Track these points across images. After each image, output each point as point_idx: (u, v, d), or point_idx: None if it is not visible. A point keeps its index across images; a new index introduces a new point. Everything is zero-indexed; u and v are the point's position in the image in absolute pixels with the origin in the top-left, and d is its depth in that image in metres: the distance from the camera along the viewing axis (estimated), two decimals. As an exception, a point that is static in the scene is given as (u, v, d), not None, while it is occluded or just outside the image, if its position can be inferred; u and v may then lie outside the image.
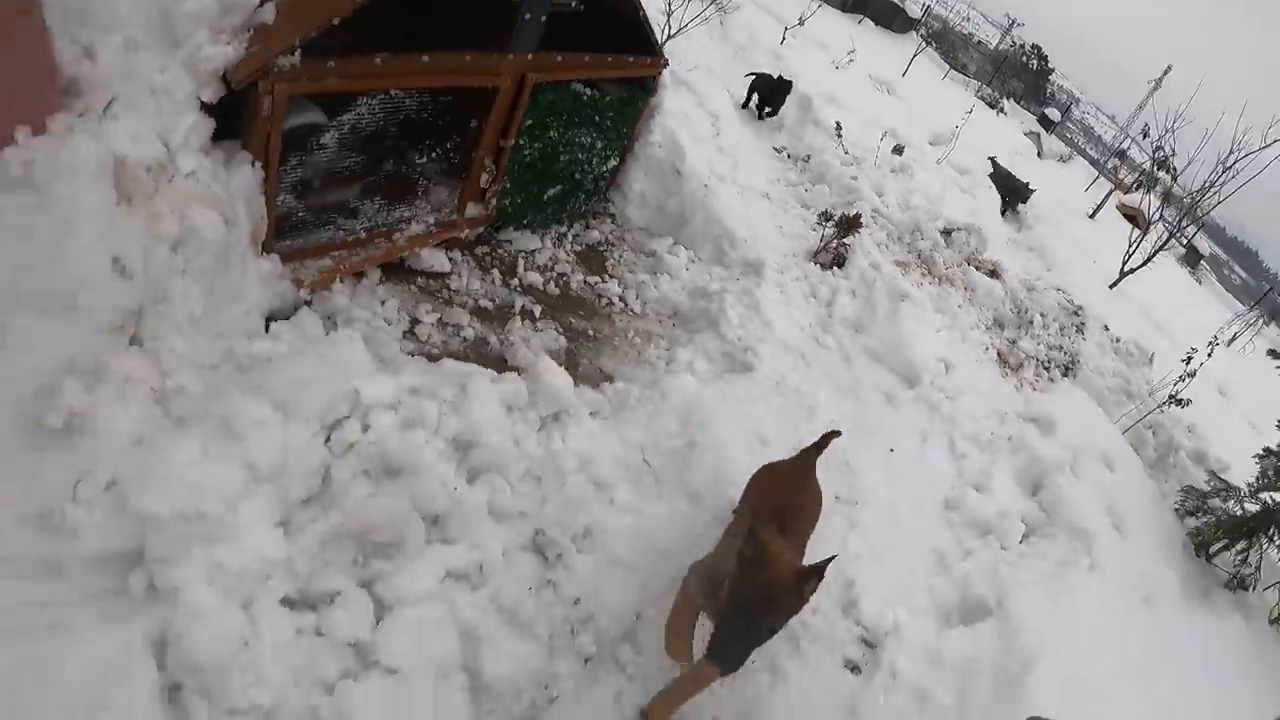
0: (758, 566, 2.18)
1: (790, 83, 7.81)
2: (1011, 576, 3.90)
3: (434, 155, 3.92)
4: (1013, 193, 9.81)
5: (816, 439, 3.17)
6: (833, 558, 2.25)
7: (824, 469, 3.13)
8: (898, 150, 8.49)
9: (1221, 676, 4.36)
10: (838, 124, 7.86)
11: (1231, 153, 10.05)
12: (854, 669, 3.15)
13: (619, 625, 2.81)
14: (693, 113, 5.80)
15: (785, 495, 2.83)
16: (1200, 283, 19.67)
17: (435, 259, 3.90)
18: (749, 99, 7.78)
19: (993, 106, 18.77)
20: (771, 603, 2.18)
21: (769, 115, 7.81)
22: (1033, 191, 10.15)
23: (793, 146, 7.37)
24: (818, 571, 2.16)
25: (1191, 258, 22.00)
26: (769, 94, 7.78)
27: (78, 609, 2.00)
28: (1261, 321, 14.94)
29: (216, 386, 2.44)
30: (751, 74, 7.80)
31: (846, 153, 7.58)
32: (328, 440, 2.53)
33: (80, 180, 2.13)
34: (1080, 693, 3.42)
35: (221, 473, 2.21)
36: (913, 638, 3.35)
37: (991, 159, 10.18)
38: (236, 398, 2.38)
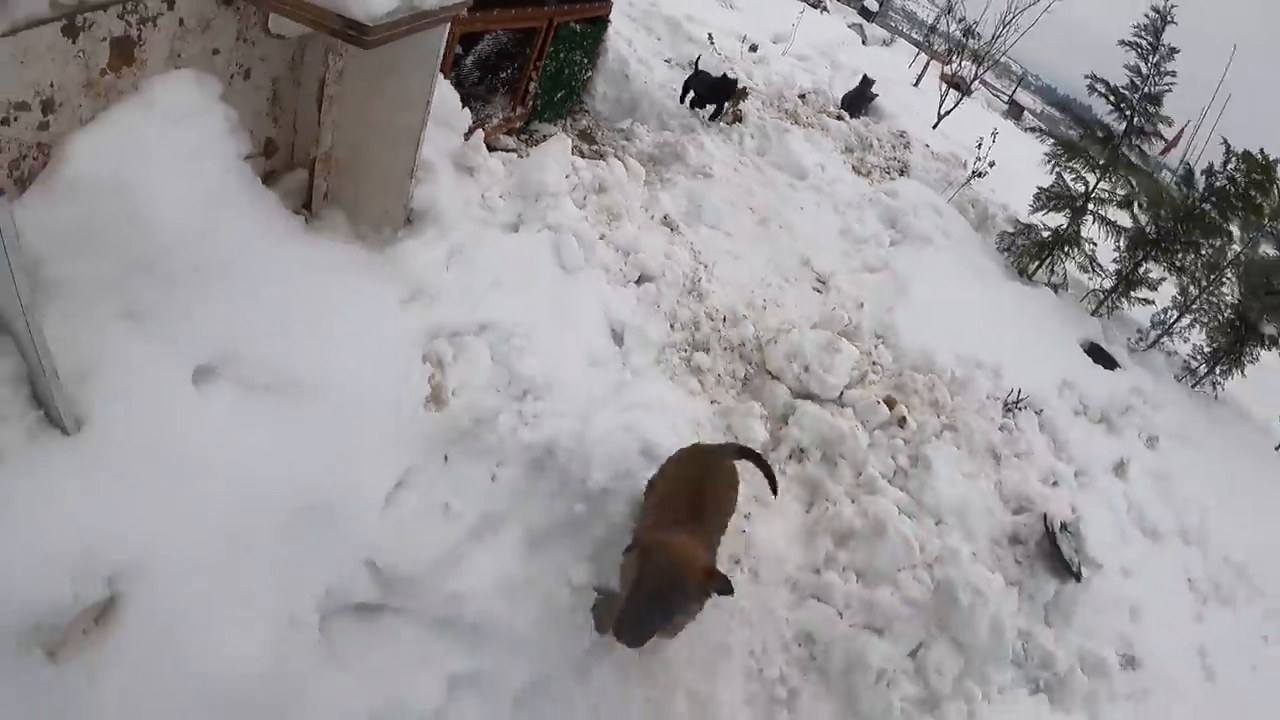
0: (663, 565, 2.33)
1: (735, 81, 8.06)
2: (889, 255, 6.72)
3: (505, 73, 6.30)
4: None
5: (741, 446, 3.39)
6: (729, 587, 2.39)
7: (775, 219, 5.74)
8: (753, 49, 11.17)
9: (1034, 316, 7.29)
10: (710, 35, 10.45)
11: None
12: (818, 290, 5.84)
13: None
14: (628, 37, 8.30)
15: (700, 481, 2.89)
16: (1024, 130, 23.45)
17: (507, 141, 6.30)
18: (684, 96, 8.05)
19: (816, 6, 21.70)
20: (672, 597, 2.34)
21: (713, 117, 8.10)
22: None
23: (678, 56, 9.93)
24: (722, 581, 2.38)
25: (1014, 110, 26.06)
26: (706, 92, 8.02)
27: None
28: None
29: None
30: (692, 72, 8.10)
31: (719, 54, 10.22)
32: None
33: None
34: (938, 303, 6.20)
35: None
36: (842, 278, 6.07)
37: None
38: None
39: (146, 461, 2.07)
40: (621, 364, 3.88)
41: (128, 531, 1.98)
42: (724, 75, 8.07)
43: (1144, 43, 8.10)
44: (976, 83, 16.06)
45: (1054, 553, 4.03)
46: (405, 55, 2.85)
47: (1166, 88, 8.28)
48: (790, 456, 4.17)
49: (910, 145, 10.00)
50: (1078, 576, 4.02)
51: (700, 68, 8.17)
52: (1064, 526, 4.19)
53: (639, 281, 4.53)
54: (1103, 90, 8.28)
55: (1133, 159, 8.62)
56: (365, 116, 3.02)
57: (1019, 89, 30.93)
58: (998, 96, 28.24)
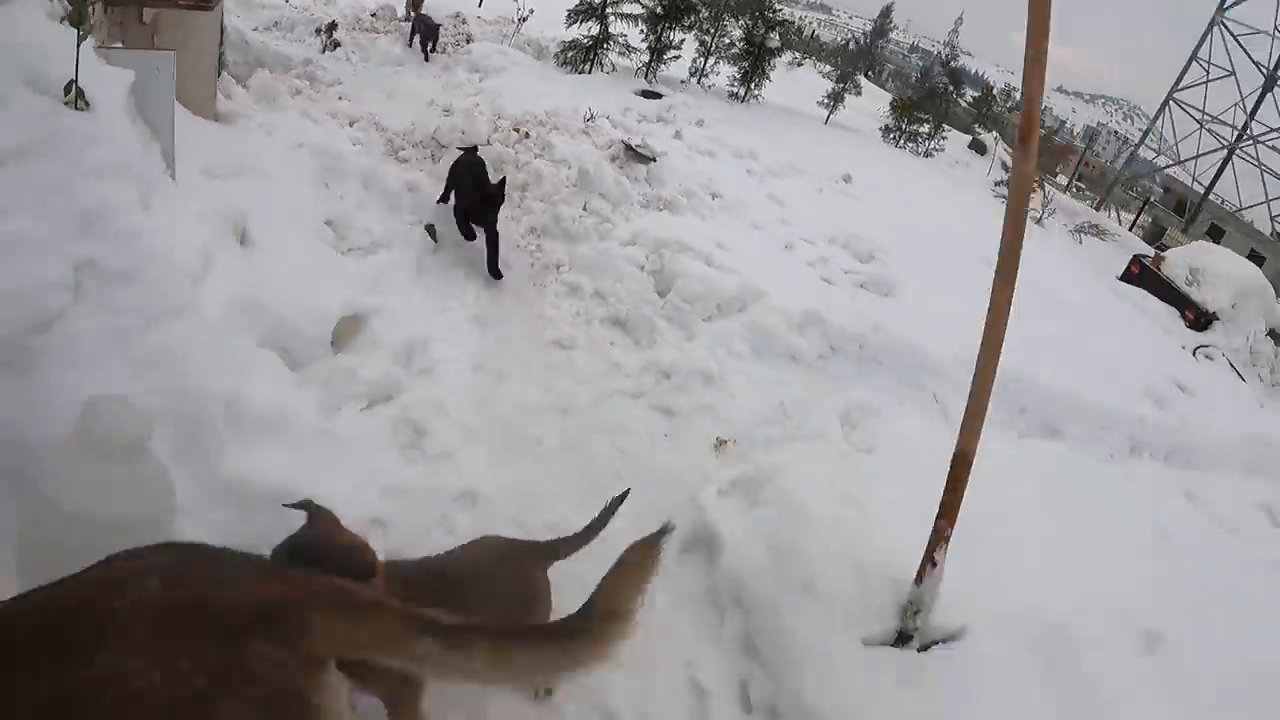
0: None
1: (439, 25, 10.57)
2: (485, 85, 9.25)
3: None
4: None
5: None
6: None
7: (395, 91, 7.96)
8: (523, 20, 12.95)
9: (594, 88, 10.13)
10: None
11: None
12: (447, 113, 8.23)
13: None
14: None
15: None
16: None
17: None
18: (411, 39, 10.50)
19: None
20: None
21: (431, 52, 10.38)
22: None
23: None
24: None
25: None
26: (427, 33, 10.40)
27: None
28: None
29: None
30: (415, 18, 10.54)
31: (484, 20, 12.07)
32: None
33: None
34: (525, 94, 8.80)
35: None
36: (460, 103, 8.49)
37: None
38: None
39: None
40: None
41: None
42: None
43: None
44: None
45: (632, 153, 6.85)
46: (202, 24, 4.68)
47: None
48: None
49: (467, 22, 12.53)
50: (654, 159, 6.90)
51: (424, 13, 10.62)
52: (634, 146, 7.04)
53: (351, 125, 6.69)
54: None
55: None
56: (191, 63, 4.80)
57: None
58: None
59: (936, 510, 2.70)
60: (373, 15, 12.07)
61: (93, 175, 2.61)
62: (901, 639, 2.79)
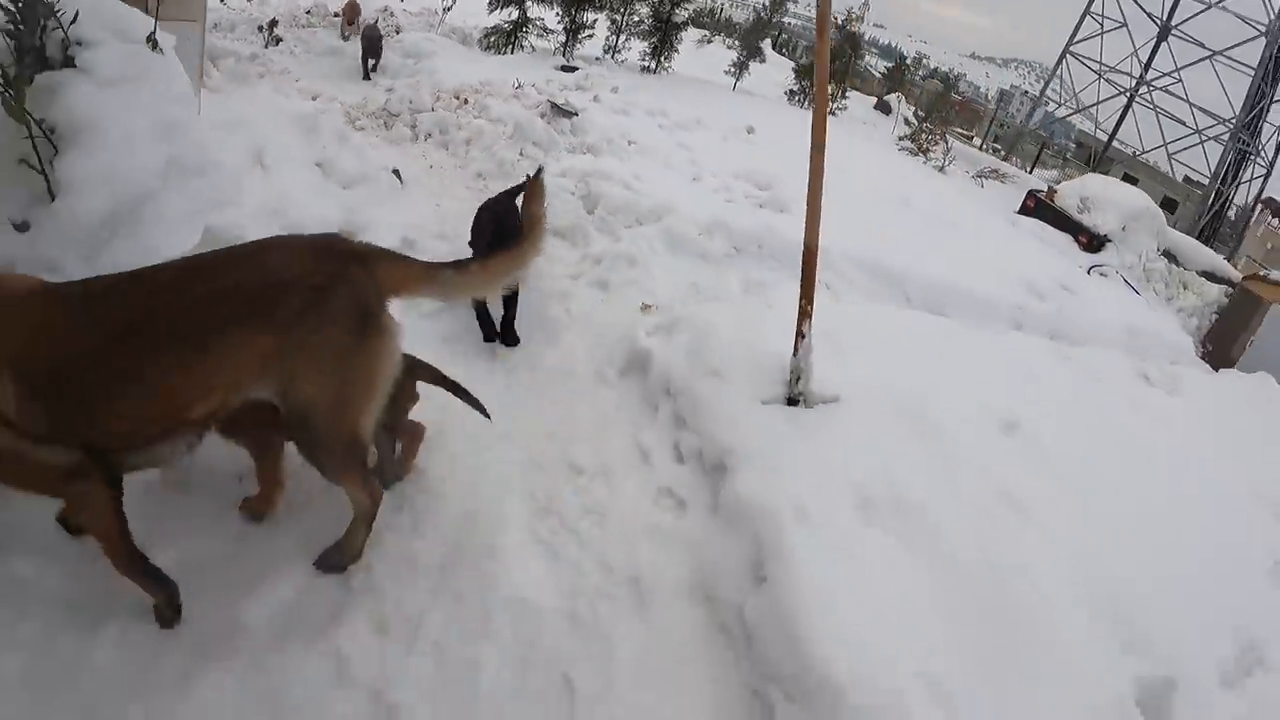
0: None
1: (382, 37, 10.43)
2: (422, 66, 10.24)
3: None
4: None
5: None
6: None
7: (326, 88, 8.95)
8: (447, 10, 13.73)
9: (515, 66, 11.18)
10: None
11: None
12: (391, 89, 9.20)
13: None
14: None
15: None
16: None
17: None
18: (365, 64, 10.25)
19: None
20: None
21: (373, 71, 10.24)
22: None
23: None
24: None
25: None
26: (369, 48, 10.21)
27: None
28: None
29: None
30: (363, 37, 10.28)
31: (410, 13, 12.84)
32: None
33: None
34: (459, 71, 9.82)
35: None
36: (401, 88, 9.46)
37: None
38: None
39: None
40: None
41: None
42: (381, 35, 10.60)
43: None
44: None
45: (557, 110, 7.95)
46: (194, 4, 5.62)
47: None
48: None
49: (395, 14, 13.46)
50: (576, 114, 8.00)
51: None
52: (558, 104, 8.13)
53: (313, 99, 7.65)
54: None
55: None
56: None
57: None
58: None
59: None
60: (307, 13, 12.92)
61: (170, 99, 3.62)
62: (790, 403, 3.90)
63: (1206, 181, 27.86)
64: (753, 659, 2.62)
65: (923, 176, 13.31)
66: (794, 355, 3.83)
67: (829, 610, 2.59)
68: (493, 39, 12.61)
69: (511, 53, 12.56)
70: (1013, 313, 6.99)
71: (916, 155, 15.36)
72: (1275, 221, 28.59)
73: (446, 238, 5.54)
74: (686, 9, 14.19)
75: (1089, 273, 10.80)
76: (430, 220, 5.55)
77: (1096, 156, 29.17)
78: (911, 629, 2.65)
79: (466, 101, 8.11)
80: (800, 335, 3.81)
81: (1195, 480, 4.41)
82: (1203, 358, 9.83)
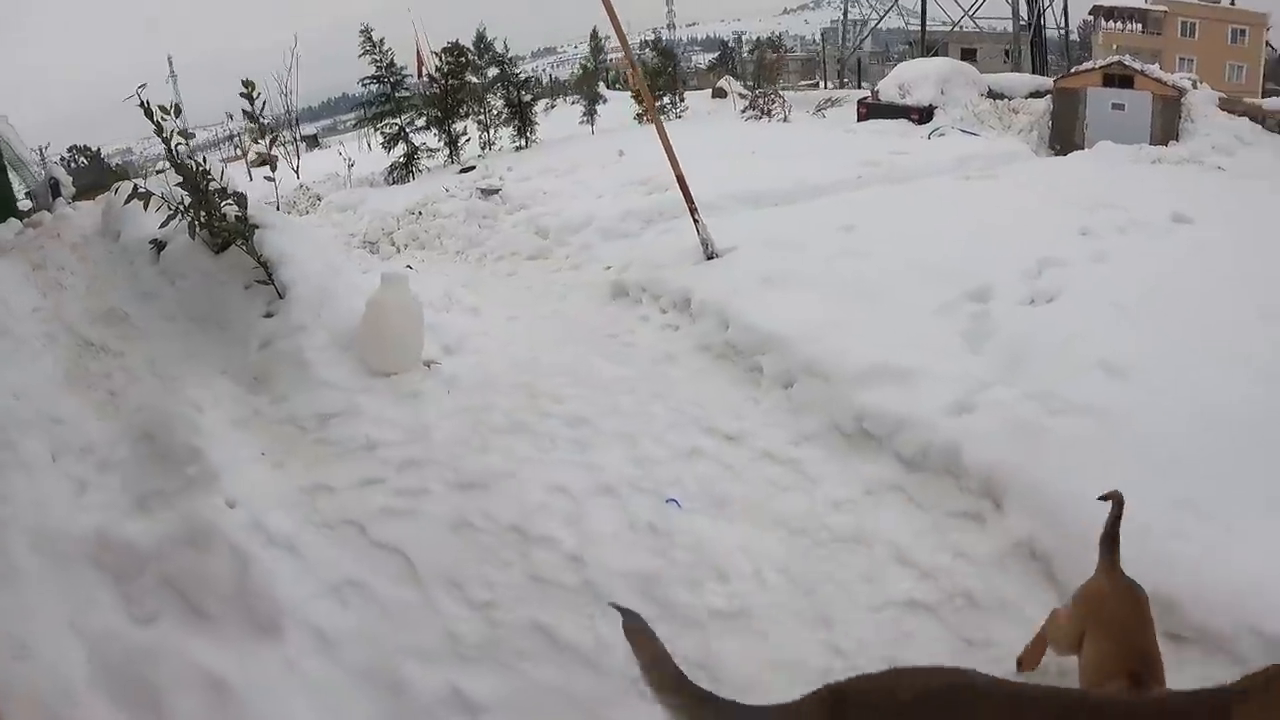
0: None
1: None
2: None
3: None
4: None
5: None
6: None
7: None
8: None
9: None
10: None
11: None
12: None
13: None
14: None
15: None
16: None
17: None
18: None
19: None
20: None
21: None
22: None
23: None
24: None
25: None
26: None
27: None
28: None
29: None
30: None
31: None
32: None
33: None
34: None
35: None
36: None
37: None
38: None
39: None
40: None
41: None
42: None
43: None
44: None
45: (483, 191, 10.72)
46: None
47: None
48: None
49: (309, 187, 16.18)
50: (499, 190, 10.79)
51: None
52: (483, 187, 10.90)
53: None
54: None
55: None
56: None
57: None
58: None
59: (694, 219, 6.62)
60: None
61: (307, 235, 6.30)
62: (709, 259, 6.67)
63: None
64: (737, 353, 5.29)
65: (769, 131, 16.30)
66: (698, 233, 6.59)
67: (768, 315, 5.32)
68: (395, 173, 15.41)
69: (413, 179, 15.32)
70: (851, 183, 9.87)
71: (761, 118, 18.44)
72: (1109, 24, 31.67)
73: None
74: (531, 90, 17.23)
75: (929, 138, 13.64)
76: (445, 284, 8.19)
77: (928, 46, 32.28)
78: (809, 314, 5.35)
79: (420, 214, 10.82)
80: (695, 220, 6.58)
81: (1008, 210, 7.48)
82: (1056, 155, 12.84)
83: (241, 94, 6.12)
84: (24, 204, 9.95)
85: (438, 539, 3.57)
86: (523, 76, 17.58)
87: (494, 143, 16.91)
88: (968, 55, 28.57)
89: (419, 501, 3.82)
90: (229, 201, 5.78)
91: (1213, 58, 24.34)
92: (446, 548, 3.51)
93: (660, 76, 19.89)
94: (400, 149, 15.62)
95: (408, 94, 16.29)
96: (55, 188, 13.85)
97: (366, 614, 3.21)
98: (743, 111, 19.35)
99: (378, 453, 4.24)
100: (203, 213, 5.80)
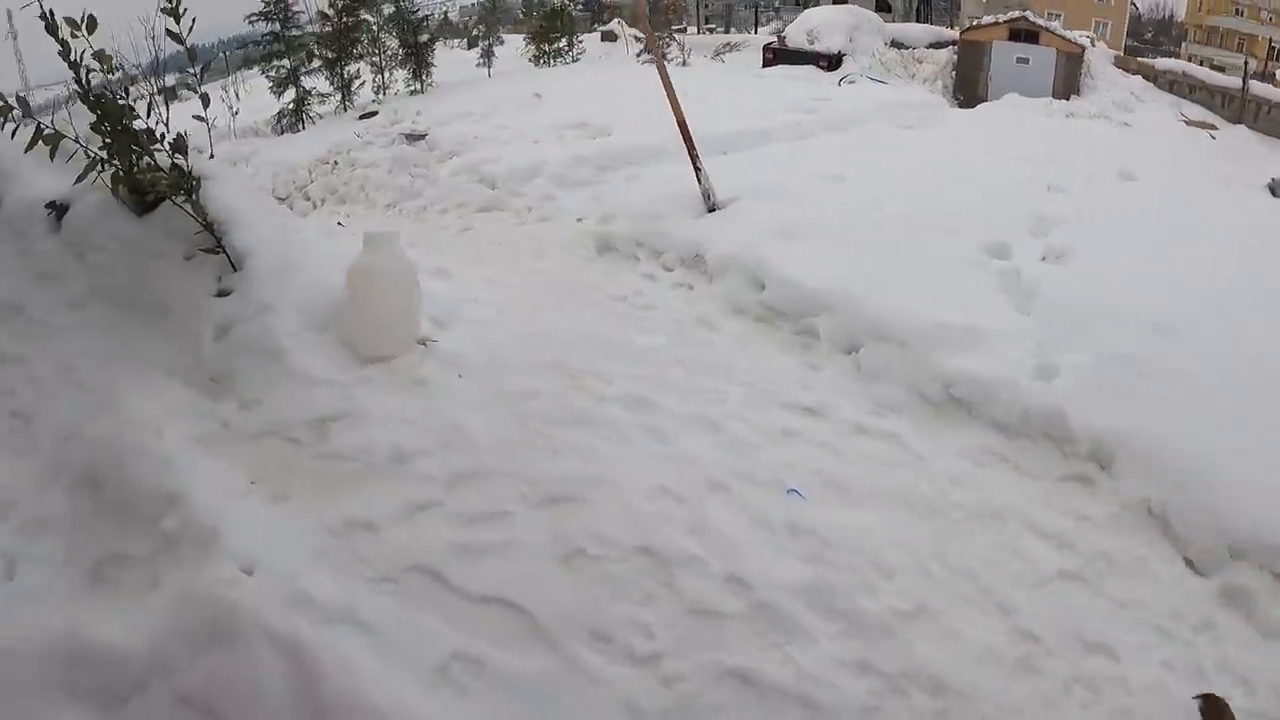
0: None
1: None
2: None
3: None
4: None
5: None
6: None
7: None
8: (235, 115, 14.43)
9: None
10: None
11: None
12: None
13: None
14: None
15: None
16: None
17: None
18: None
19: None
20: None
21: None
22: None
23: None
24: None
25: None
26: None
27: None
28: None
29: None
30: None
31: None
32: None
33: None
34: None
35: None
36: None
37: None
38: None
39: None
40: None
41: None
42: None
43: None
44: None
45: (409, 137, 9.82)
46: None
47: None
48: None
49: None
50: (425, 135, 9.91)
51: None
52: (408, 133, 9.98)
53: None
54: None
55: None
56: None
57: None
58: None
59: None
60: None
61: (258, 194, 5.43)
62: (711, 211, 6.26)
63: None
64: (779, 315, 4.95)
65: (674, 76, 15.79)
66: (699, 184, 6.16)
67: (805, 271, 4.98)
68: (284, 120, 13.99)
69: (303, 128, 13.97)
70: (794, 129, 9.63)
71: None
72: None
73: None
74: (426, 30, 16.02)
75: (839, 84, 13.59)
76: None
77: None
78: (831, 262, 5.08)
79: (337, 163, 9.79)
80: (697, 170, 6.15)
81: (968, 163, 7.38)
82: (960, 106, 13.01)
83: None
84: None
85: (549, 578, 2.78)
86: (419, 15, 16.23)
87: (388, 86, 15.65)
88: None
89: (501, 529, 2.99)
90: (159, 147, 4.29)
91: (1081, 14, 25.58)
92: (565, 588, 2.74)
93: (559, 18, 18.94)
94: (289, 94, 14.19)
95: (298, 33, 14.74)
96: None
97: (498, 700, 2.39)
98: (638, 55, 18.75)
99: (412, 466, 3.28)
100: (126, 162, 4.32)
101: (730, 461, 3.49)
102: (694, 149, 6.18)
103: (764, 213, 5.97)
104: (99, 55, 4.34)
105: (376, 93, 15.48)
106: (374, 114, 13.23)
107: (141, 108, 4.48)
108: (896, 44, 16.55)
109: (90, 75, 4.40)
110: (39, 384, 3.81)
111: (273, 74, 14.22)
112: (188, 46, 5.09)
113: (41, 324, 4.14)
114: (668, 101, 6.27)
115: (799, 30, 16.47)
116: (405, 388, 3.75)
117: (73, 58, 4.23)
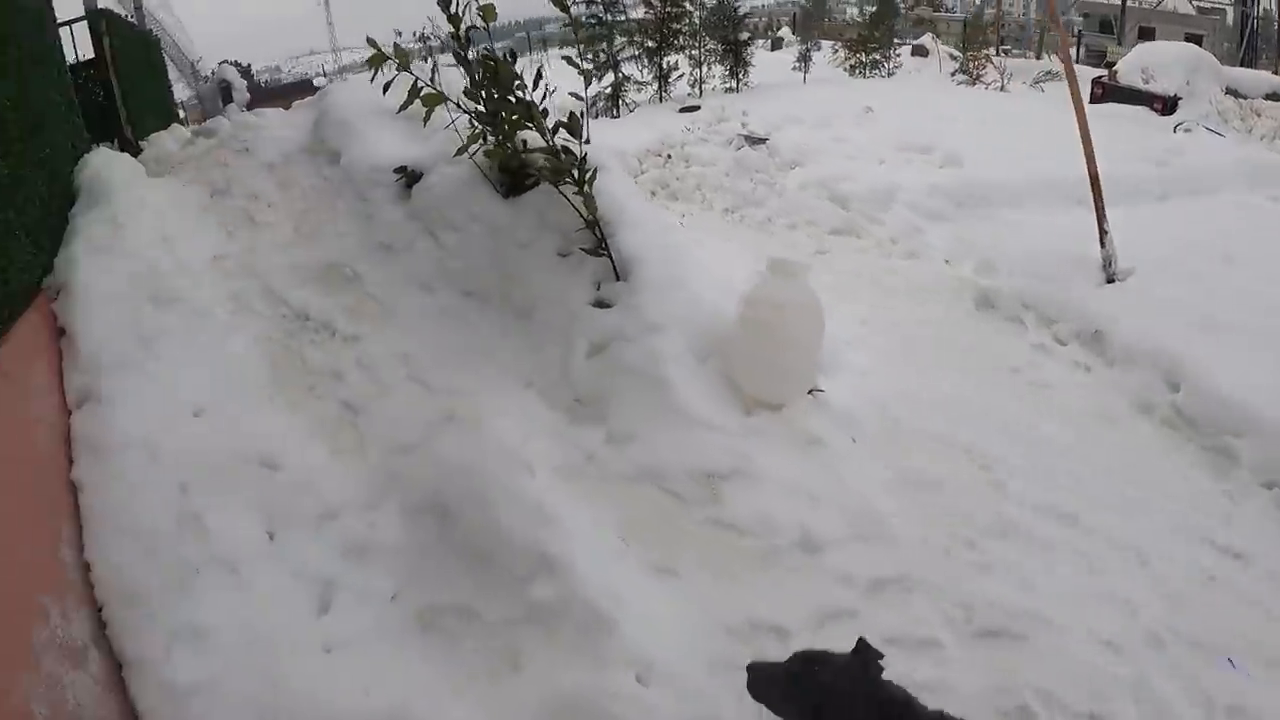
0: None
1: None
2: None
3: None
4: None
5: None
6: None
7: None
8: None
9: None
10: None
11: None
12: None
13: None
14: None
15: None
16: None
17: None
18: None
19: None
20: None
21: None
22: None
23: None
24: None
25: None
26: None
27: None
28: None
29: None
30: None
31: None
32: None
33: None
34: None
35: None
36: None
37: None
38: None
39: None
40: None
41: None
42: None
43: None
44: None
45: (749, 139, 9.94)
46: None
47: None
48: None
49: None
50: (766, 139, 9.99)
51: None
52: (748, 135, 10.12)
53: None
54: None
55: None
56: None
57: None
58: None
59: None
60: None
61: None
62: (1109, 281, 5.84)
63: (1226, 7, 28.03)
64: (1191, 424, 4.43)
65: (994, 101, 14.97)
66: (1102, 248, 5.70)
67: (1234, 380, 4.47)
68: (597, 105, 14.61)
69: (617, 115, 14.48)
70: (1149, 185, 8.61)
71: (974, 84, 17.09)
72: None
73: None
74: (745, 29, 16.14)
75: (1175, 131, 12.30)
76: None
77: (1118, 23, 29.40)
78: (1261, 369, 4.49)
79: (670, 156, 10.05)
80: (1103, 232, 5.69)
81: None
82: None
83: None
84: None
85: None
86: (741, 12, 16.39)
87: (704, 81, 15.96)
88: (1146, 35, 25.99)
89: (929, 661, 2.58)
90: (545, 125, 3.92)
91: None
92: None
93: (878, 27, 18.44)
94: (608, 79, 14.78)
95: (621, 18, 15.34)
96: (226, 92, 12.73)
97: None
98: (952, 74, 17.95)
99: (825, 558, 2.88)
100: (509, 136, 4.05)
101: (1163, 611, 3.06)
102: (1102, 209, 5.74)
103: (1171, 293, 5.42)
104: (484, 9, 4.01)
105: (692, 86, 15.83)
106: (696, 108, 13.44)
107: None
108: (1232, 91, 14.77)
109: (469, 32, 4.01)
110: (372, 372, 3.45)
111: (590, 57, 14.80)
112: (572, 18, 5.04)
113: (380, 301, 3.85)
114: (1080, 142, 5.81)
115: (1133, 66, 15.06)
116: (799, 447, 3.40)
117: (457, 26, 3.96)
